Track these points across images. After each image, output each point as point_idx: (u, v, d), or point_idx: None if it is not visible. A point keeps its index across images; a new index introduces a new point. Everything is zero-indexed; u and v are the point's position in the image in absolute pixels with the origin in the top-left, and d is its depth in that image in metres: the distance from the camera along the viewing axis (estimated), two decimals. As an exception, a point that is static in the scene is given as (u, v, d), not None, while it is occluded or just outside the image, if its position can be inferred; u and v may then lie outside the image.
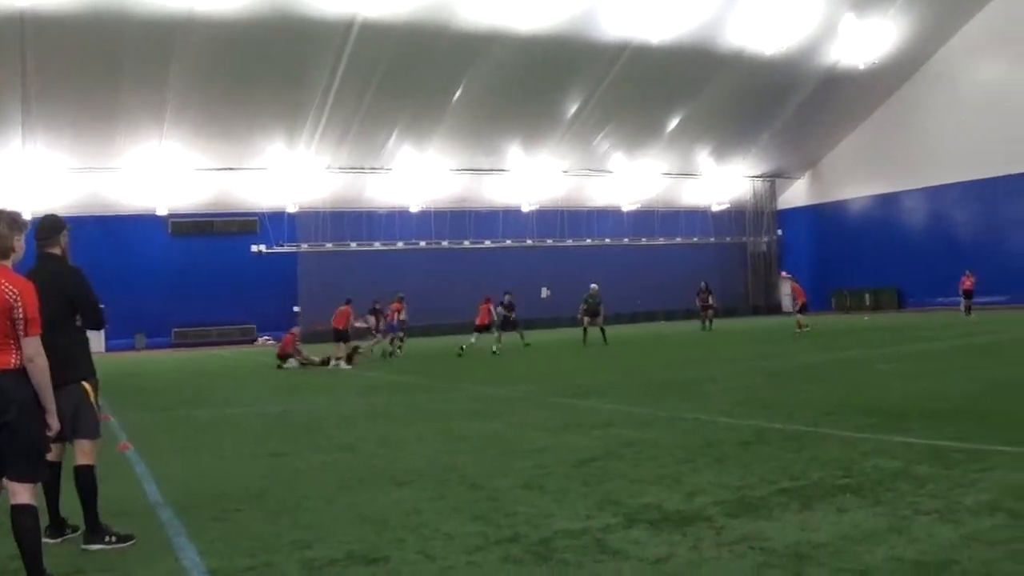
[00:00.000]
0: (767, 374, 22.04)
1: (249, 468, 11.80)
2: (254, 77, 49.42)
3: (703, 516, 7.97)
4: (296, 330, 35.41)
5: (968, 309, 46.49)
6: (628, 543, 7.22)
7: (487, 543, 7.42)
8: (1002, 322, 40.35)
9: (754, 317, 68.08)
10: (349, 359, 32.89)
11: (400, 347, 37.59)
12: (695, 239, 74.08)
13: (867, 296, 65.85)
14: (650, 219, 71.55)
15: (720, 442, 11.87)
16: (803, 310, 40.97)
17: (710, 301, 47.24)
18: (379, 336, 38.12)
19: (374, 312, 38.59)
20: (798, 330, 38.67)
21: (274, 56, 48.23)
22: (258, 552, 7.47)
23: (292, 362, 32.92)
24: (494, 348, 37.01)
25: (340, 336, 33.75)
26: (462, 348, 36.18)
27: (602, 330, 38.86)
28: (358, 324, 36.43)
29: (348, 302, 34.73)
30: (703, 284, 47.54)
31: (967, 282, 47.05)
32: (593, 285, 40.61)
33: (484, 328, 37.94)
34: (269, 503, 9.49)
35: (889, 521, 7.44)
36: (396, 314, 37.79)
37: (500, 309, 38.64)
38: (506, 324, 38.51)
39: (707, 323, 47.62)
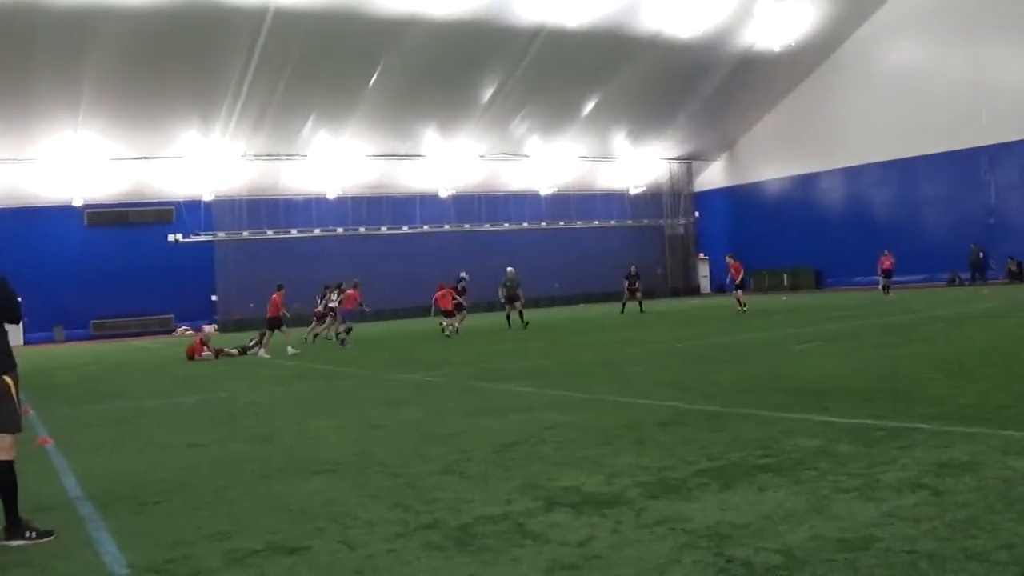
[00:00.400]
0: (686, 356, 22.16)
1: (168, 460, 11.69)
2: (169, 65, 48.85)
3: (623, 498, 7.98)
4: (203, 334, 35.04)
5: (886, 288, 47.03)
6: (549, 527, 7.23)
7: (407, 530, 7.40)
8: (918, 300, 40.90)
9: (673, 299, 68.42)
10: (260, 343, 32.68)
11: (347, 334, 37.28)
12: (612, 222, 74.35)
13: (785, 277, 66.42)
14: (567, 203, 71.74)
15: (640, 424, 11.89)
16: (741, 286, 41.21)
17: (637, 285, 47.15)
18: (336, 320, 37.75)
19: (326, 294, 38.63)
20: (740, 308, 38.94)
21: (189, 44, 47.72)
22: (178, 545, 7.40)
23: (206, 353, 32.45)
24: (445, 331, 37.23)
25: (273, 324, 32.94)
26: (444, 330, 37.22)
27: (520, 314, 38.88)
28: (318, 309, 36.61)
29: (280, 288, 33.63)
30: (633, 269, 47.41)
31: (886, 262, 47.61)
32: (509, 269, 40.66)
33: (451, 313, 37.92)
34: (188, 495, 9.41)
35: (810, 500, 7.50)
36: (351, 302, 37.34)
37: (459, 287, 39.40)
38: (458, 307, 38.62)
39: (625, 306, 47.41)
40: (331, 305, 37.62)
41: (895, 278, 47.59)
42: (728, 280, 42.86)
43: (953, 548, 5.97)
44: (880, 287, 47.89)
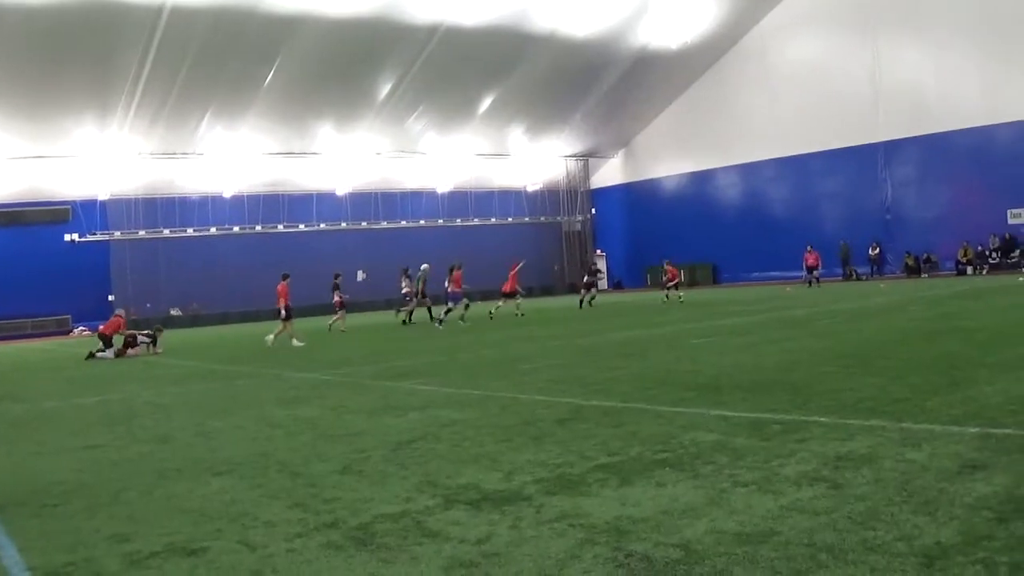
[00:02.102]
0: (583, 351, 22.17)
1: (66, 462, 11.54)
2: (64, 62, 48.04)
3: (522, 495, 7.99)
4: (122, 312, 34.57)
5: (811, 283, 47.93)
6: (448, 524, 7.23)
7: (307, 530, 7.39)
8: (815, 295, 41.36)
9: (571, 295, 68.64)
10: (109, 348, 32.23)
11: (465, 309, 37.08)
12: (510, 219, 74.46)
13: (682, 272, 66.83)
14: (465, 200, 71.78)
15: (537, 420, 11.93)
16: (676, 288, 42.10)
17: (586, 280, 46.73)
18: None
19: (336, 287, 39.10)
20: (679, 300, 39.67)
21: (84, 40, 46.92)
22: (78, 547, 7.33)
23: (107, 353, 31.95)
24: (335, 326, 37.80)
25: (288, 313, 32.76)
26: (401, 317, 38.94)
27: (429, 309, 39.10)
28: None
29: (285, 277, 33.48)
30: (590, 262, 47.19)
31: (810, 258, 48.37)
32: (424, 266, 40.96)
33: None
34: (87, 497, 9.29)
35: (708, 494, 7.53)
36: (457, 283, 36.90)
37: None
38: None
39: (588, 301, 46.63)
40: (404, 291, 38.15)
41: (789, 273, 48.23)
42: (665, 281, 43.84)
43: (853, 540, 6.02)
44: (805, 281, 48.74)
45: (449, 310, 36.59)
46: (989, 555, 5.53)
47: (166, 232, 60.46)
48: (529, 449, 10.07)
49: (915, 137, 55.54)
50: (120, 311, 35.44)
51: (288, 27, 50.44)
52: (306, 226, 65.22)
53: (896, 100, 55.50)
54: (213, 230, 62.13)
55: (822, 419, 10.49)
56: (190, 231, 61.42)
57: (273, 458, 10.69)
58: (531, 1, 54.93)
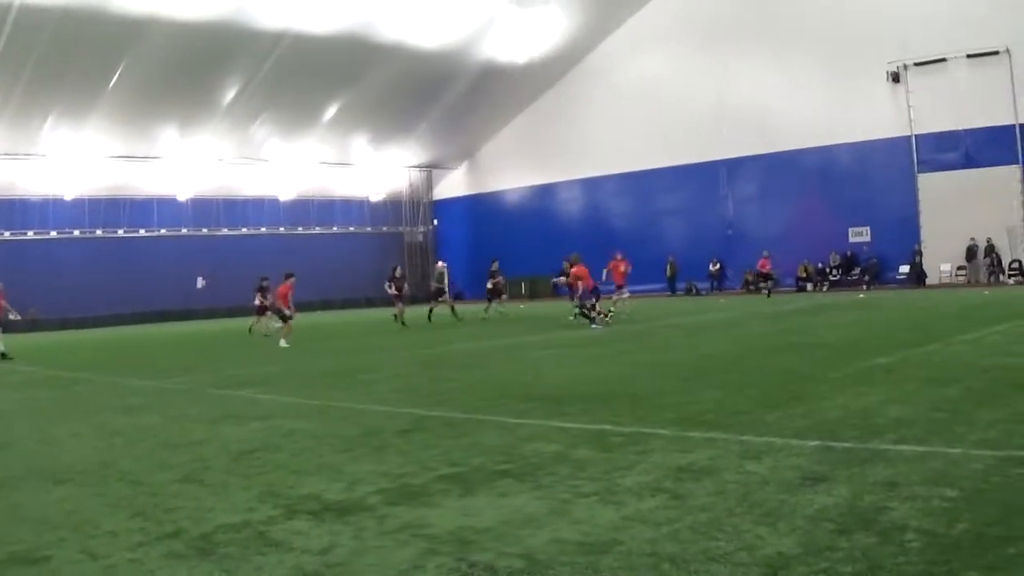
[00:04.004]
0: (424, 362, 22.16)
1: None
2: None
3: (364, 505, 8.00)
4: None
5: (768, 291, 48.48)
6: (291, 534, 7.22)
7: (149, 539, 7.30)
8: (655, 309, 41.83)
9: (410, 306, 68.47)
10: None
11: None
12: (352, 229, 74.02)
13: (524, 284, 66.91)
14: (307, 208, 71.11)
15: (379, 431, 11.92)
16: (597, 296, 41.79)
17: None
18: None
19: (261, 290, 38.76)
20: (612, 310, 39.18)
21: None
22: None
23: None
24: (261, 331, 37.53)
25: (281, 313, 32.73)
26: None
27: (452, 308, 41.17)
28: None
29: (288, 277, 33.48)
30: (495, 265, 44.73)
31: (766, 264, 48.74)
32: (440, 264, 42.92)
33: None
34: (-76, 506, 9.07)
35: (550, 504, 7.60)
36: (588, 279, 35.27)
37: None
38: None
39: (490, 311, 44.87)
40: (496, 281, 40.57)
41: (632, 287, 48.40)
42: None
43: (695, 550, 6.11)
44: (764, 291, 49.33)
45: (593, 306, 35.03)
46: (831, 565, 5.65)
47: (6, 234, 58.88)
48: (371, 460, 10.06)
49: (758, 155, 56.65)
50: None
51: (136, 28, 49.41)
52: (147, 231, 63.98)
53: (741, 119, 56.42)
54: (53, 233, 60.68)
55: (663, 431, 10.62)
56: (30, 234, 59.94)
57: (114, 467, 10.52)
58: (379, 11, 54.76)
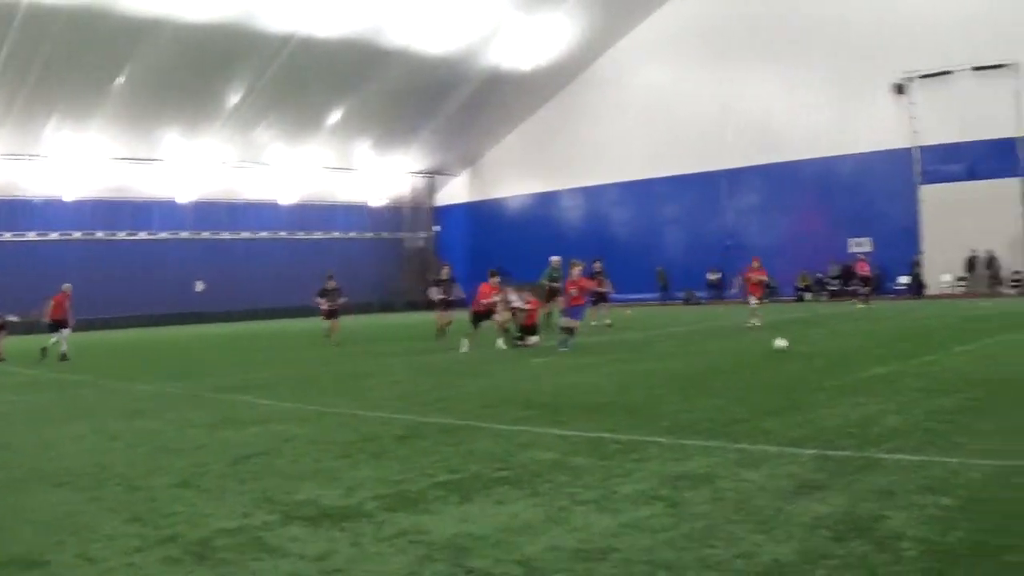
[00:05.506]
0: (423, 369, 22.15)
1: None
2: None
3: (362, 511, 7.98)
4: None
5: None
6: (287, 540, 7.19)
7: (146, 544, 7.27)
8: (654, 318, 41.77)
9: (410, 312, 68.52)
10: None
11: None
12: (352, 234, 73.96)
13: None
14: (308, 213, 71.04)
15: (377, 437, 11.90)
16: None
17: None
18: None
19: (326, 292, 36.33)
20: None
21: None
22: None
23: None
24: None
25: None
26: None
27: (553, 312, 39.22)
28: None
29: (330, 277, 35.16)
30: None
31: (758, 273, 48.32)
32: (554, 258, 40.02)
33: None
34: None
35: (548, 511, 7.59)
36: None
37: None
38: None
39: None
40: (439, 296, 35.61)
41: (631, 296, 48.32)
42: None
43: (691, 557, 6.11)
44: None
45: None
46: (828, 573, 5.67)
47: (8, 235, 58.86)
48: (369, 465, 10.05)
49: (760, 166, 56.70)
50: None
51: (141, 31, 49.46)
52: (148, 234, 63.95)
53: (744, 129, 56.55)
54: (54, 235, 60.66)
55: (660, 439, 10.60)
56: (31, 235, 59.91)
57: (112, 470, 10.50)
58: (386, 16, 54.83)
